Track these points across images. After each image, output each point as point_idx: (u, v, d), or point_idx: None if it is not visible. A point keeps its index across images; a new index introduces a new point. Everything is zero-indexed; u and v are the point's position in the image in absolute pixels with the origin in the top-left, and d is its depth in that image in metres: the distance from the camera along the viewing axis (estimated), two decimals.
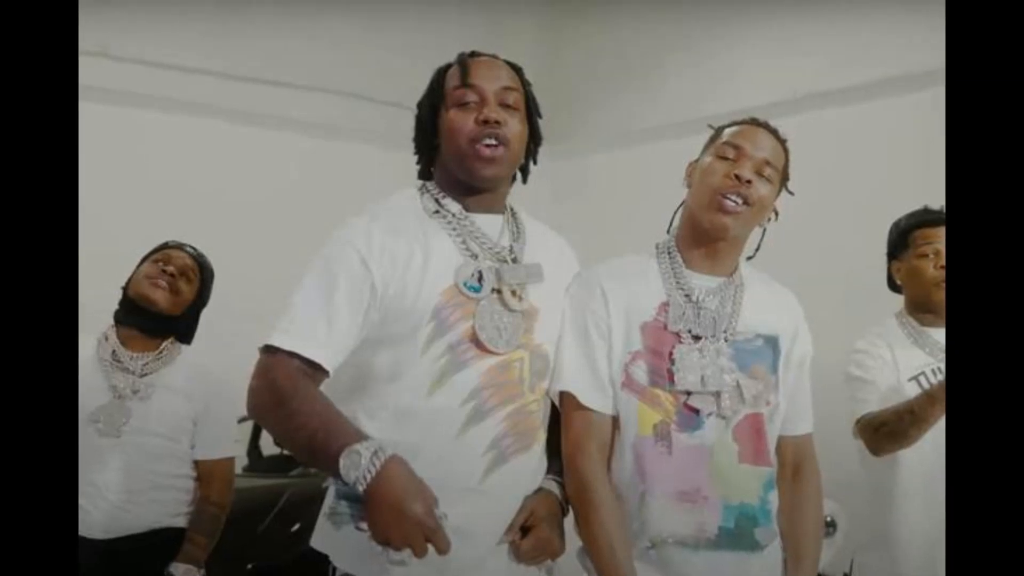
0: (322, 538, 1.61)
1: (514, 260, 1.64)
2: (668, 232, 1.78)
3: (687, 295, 1.68)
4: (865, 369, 2.25)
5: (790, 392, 1.73)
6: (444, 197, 1.65)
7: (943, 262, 2.22)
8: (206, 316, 2.63)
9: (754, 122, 1.75)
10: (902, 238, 2.34)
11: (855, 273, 3.36)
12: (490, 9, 5.37)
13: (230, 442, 2.60)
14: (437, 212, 1.64)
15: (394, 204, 1.66)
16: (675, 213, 1.78)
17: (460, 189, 1.65)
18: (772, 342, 1.71)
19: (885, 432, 2.12)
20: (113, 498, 2.38)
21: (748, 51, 4.75)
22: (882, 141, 4.10)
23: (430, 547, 1.39)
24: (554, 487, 1.65)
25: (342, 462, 1.41)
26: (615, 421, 1.65)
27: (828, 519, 3.26)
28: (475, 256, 1.61)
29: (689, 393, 1.63)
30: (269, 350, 1.52)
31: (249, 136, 4.80)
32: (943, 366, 2.20)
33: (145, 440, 2.42)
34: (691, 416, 1.63)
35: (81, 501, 2.29)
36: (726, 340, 1.67)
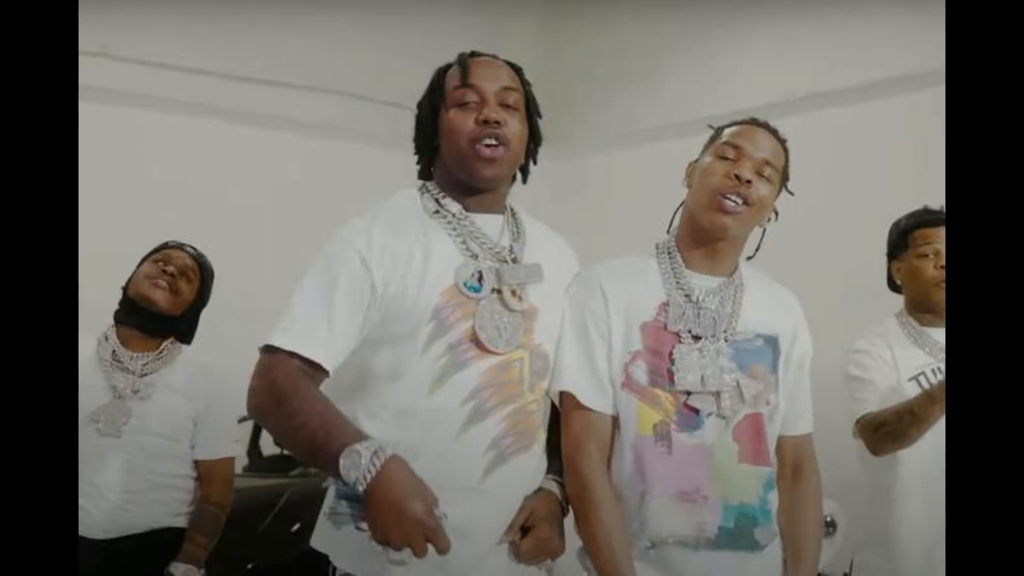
0: (322, 538, 1.61)
1: (514, 260, 1.64)
2: (668, 232, 1.78)
3: (687, 295, 1.68)
4: (865, 369, 2.25)
5: (790, 392, 1.73)
6: (444, 197, 1.65)
7: (943, 262, 2.22)
8: (206, 316, 2.63)
9: (754, 122, 1.75)
10: (902, 238, 2.34)
11: (855, 273, 3.37)
12: (490, 9, 5.38)
13: (230, 442, 2.60)
14: (437, 212, 1.64)
15: (394, 204, 1.66)
16: (675, 213, 1.78)
17: (460, 189, 1.65)
18: (772, 342, 1.71)
19: (885, 432, 2.12)
20: (113, 498, 2.38)
21: (748, 51, 4.76)
22: (881, 141, 4.11)
23: (430, 547, 1.39)
24: (554, 487, 1.65)
25: (342, 462, 1.41)
26: (615, 421, 1.65)
27: (828, 519, 3.27)
28: (475, 256, 1.61)
29: (689, 393, 1.63)
30: (269, 350, 1.52)
31: (249, 136, 4.81)
32: (943, 366, 2.20)
33: (145, 440, 2.42)
34: (691, 416, 1.63)
35: (81, 501, 2.29)
36: (726, 340, 1.67)
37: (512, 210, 1.73)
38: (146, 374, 2.47)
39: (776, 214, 1.76)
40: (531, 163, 1.74)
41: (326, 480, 1.62)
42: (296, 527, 3.27)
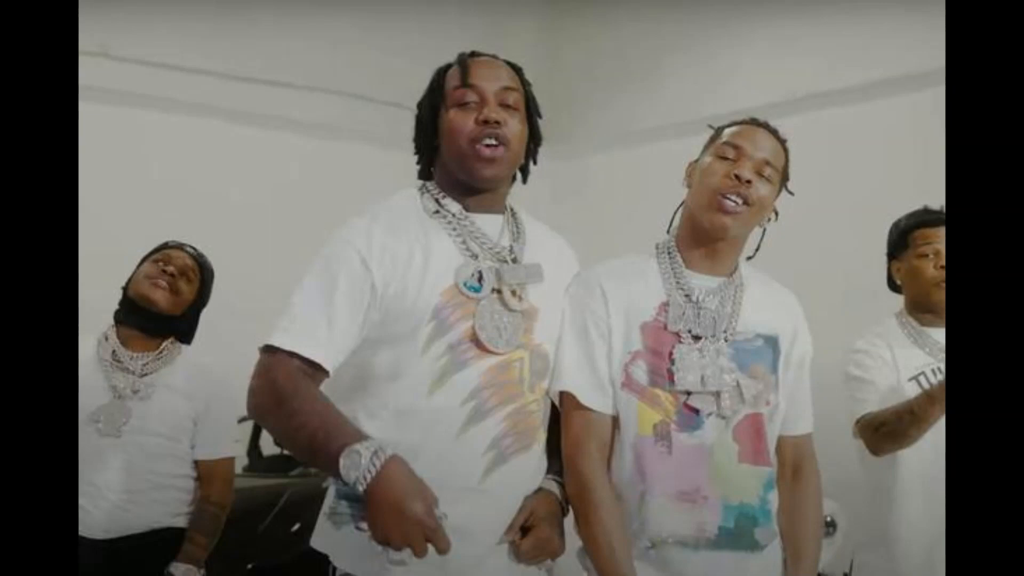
0: (322, 538, 1.61)
1: (514, 260, 1.64)
2: (668, 232, 1.78)
3: (687, 295, 1.68)
4: (865, 369, 2.25)
5: (790, 392, 1.73)
6: (444, 197, 1.65)
7: (943, 262, 2.22)
8: (206, 316, 2.63)
9: (754, 122, 1.75)
10: (902, 238, 2.34)
11: (855, 273, 3.37)
12: (490, 9, 5.38)
13: (230, 442, 2.60)
14: (437, 212, 1.64)
15: (394, 204, 1.66)
16: (675, 213, 1.78)
17: (460, 189, 1.65)
18: (772, 342, 1.71)
19: (885, 432, 2.12)
20: (113, 498, 2.38)
21: (748, 51, 4.77)
22: (881, 141, 4.11)
23: (430, 547, 1.39)
24: (554, 487, 1.65)
25: (342, 462, 1.41)
26: (615, 421, 1.65)
27: (828, 519, 3.27)
28: (475, 256, 1.61)
29: (689, 393, 1.63)
30: (269, 350, 1.52)
31: (249, 136, 4.81)
32: (943, 366, 2.20)
33: (145, 440, 2.42)
34: (691, 416, 1.63)
35: (81, 501, 2.29)
36: (726, 340, 1.67)
37: (512, 210, 1.73)
38: (146, 374, 2.47)
39: (776, 214, 1.76)
40: (531, 163, 1.74)
41: (326, 480, 1.62)
42: (296, 527, 3.27)
